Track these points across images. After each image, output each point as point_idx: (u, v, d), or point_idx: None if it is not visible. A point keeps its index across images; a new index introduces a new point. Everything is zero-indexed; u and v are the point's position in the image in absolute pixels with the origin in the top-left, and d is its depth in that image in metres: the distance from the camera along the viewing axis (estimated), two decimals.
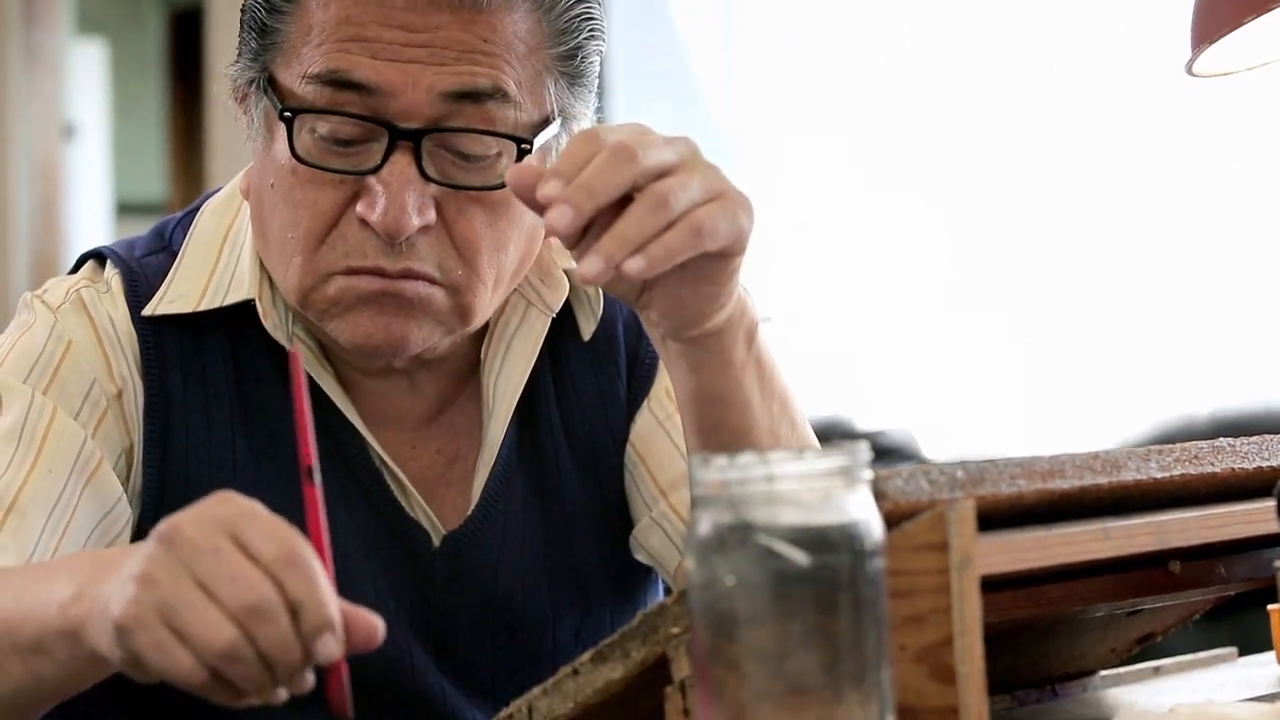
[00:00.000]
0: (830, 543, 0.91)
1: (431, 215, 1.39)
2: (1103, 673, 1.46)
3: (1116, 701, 1.40)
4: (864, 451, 0.94)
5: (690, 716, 1.05)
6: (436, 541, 1.51)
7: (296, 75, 1.40)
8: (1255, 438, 1.30)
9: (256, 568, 1.03)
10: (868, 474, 0.95)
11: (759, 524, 0.91)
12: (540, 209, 1.22)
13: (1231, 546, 1.28)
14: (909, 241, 4.92)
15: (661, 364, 1.51)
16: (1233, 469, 1.26)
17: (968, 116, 4.79)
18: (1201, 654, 1.56)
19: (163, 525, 1.06)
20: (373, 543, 1.49)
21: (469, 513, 1.52)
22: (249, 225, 1.49)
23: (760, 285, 1.42)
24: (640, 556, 1.56)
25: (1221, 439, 1.27)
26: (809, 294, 5.02)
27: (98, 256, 1.53)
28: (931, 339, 4.86)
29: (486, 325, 1.50)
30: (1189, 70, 1.68)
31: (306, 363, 1.47)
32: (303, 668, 1.05)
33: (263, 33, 1.42)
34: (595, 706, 1.12)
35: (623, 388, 1.56)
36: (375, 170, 1.39)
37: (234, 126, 1.48)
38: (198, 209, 1.55)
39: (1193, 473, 1.23)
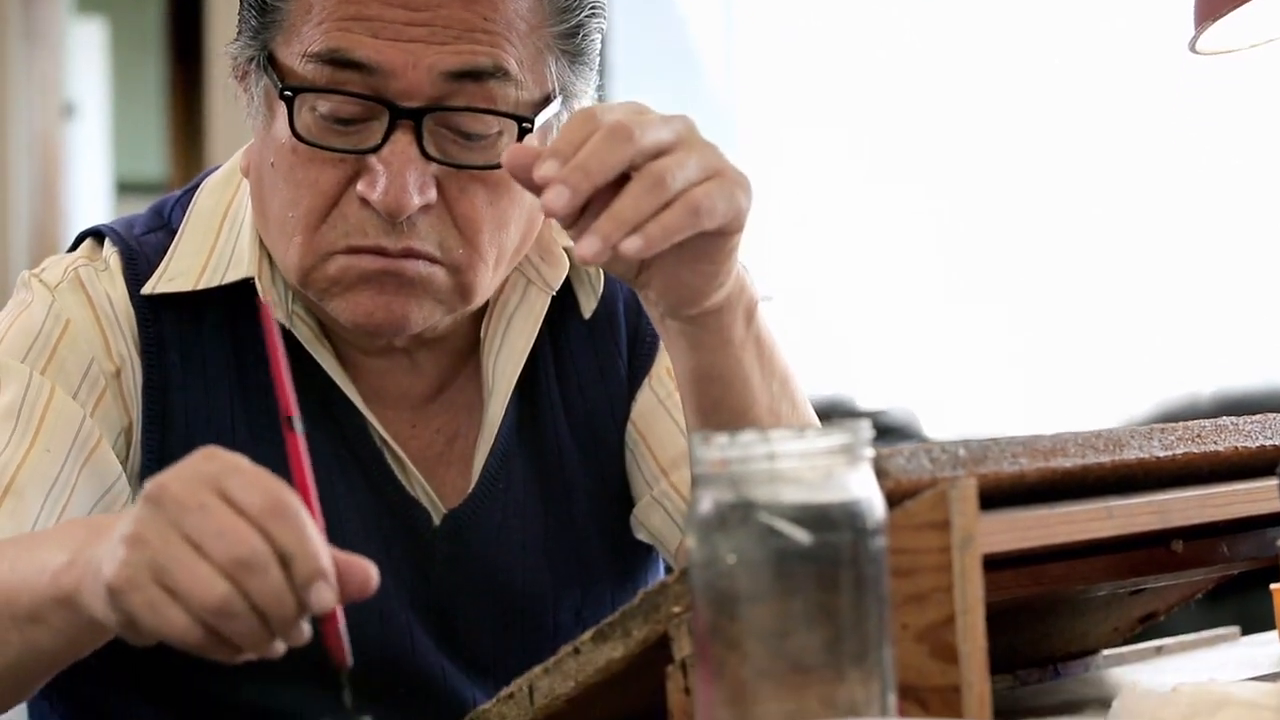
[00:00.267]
0: (832, 521, 0.91)
1: (432, 194, 1.39)
2: (1105, 652, 1.46)
3: (1119, 681, 1.40)
4: (866, 430, 0.94)
5: (691, 695, 1.05)
6: (437, 520, 1.51)
7: (297, 54, 1.39)
8: (1258, 416, 1.30)
9: (244, 520, 1.03)
10: (869, 452, 0.94)
11: (760, 502, 0.91)
12: (537, 189, 1.21)
13: (1234, 525, 1.28)
14: (910, 220, 4.92)
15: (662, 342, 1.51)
16: (1236, 448, 1.26)
17: (970, 96, 4.79)
18: (1204, 633, 1.56)
19: (150, 485, 1.06)
20: (373, 521, 1.49)
21: (469, 491, 1.51)
22: (248, 203, 1.48)
23: (761, 264, 1.42)
24: (641, 535, 1.56)
25: (1224, 417, 1.27)
26: (810, 273, 5.02)
27: (96, 235, 1.53)
28: (933, 318, 4.86)
29: (487, 304, 1.50)
30: (1192, 47, 1.68)
31: (306, 341, 1.47)
32: (297, 619, 1.05)
33: (263, 10, 1.42)
34: (596, 685, 1.12)
35: (623, 366, 1.56)
36: (376, 149, 1.38)
37: (234, 105, 1.48)
38: (197, 187, 1.54)
39: (1195, 451, 1.22)
